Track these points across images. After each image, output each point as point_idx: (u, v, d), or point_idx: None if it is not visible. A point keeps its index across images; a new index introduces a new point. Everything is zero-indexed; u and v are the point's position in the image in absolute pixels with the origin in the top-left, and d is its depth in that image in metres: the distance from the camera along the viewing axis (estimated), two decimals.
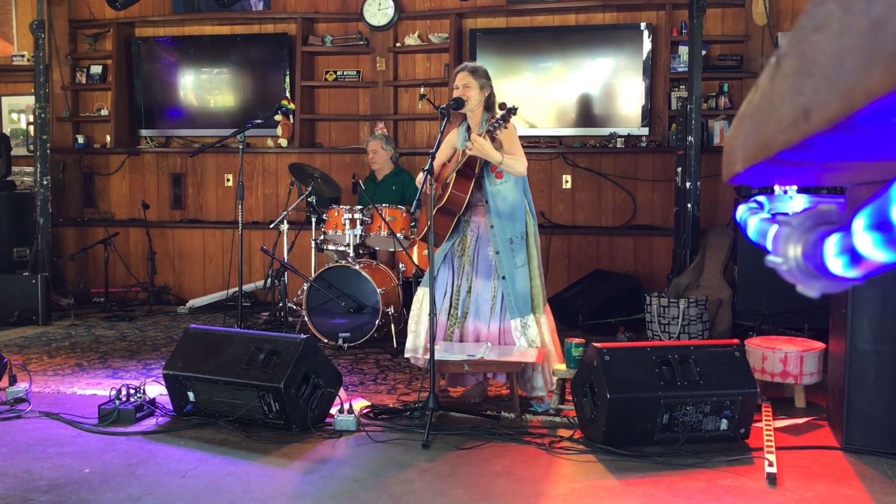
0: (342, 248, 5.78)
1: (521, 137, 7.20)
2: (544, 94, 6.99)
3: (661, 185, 6.83)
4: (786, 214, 0.89)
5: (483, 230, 4.19)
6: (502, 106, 3.91)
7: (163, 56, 7.75)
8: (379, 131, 6.74)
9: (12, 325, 6.36)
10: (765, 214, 1.13)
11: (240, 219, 5.46)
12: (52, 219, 7.00)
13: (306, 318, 5.61)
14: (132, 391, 3.94)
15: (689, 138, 5.84)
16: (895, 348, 3.38)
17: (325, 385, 3.79)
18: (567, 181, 6.99)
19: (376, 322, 5.37)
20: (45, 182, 6.79)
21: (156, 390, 4.14)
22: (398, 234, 5.58)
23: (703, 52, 6.23)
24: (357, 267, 5.44)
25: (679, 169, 6.02)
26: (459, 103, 4.15)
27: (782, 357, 4.12)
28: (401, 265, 5.88)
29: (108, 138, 7.83)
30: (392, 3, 7.18)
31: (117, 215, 7.96)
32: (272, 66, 7.52)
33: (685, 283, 5.76)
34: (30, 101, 7.43)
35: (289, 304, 6.02)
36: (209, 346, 3.93)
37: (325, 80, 7.48)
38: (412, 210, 4.03)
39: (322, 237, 5.95)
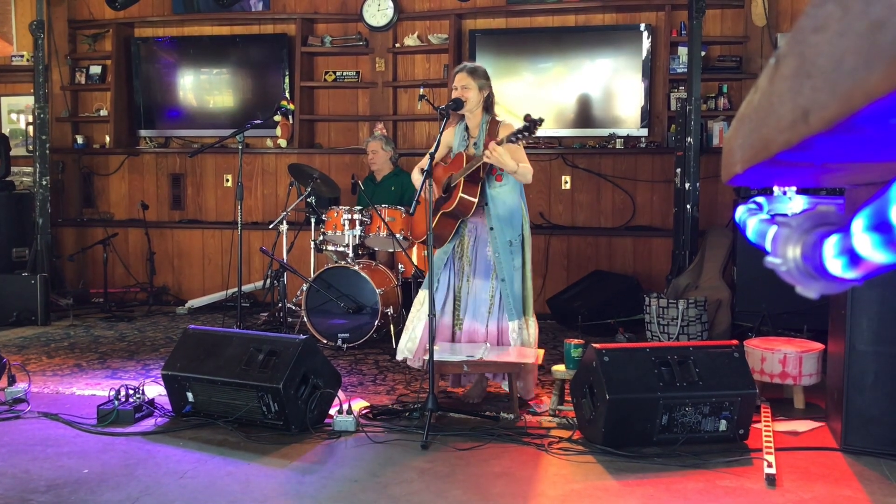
0: (341, 249, 5.78)
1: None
2: (544, 94, 6.99)
3: (660, 186, 6.83)
4: (785, 215, 0.89)
5: (481, 231, 4.20)
6: (528, 117, 3.88)
7: (162, 56, 7.74)
8: (378, 132, 6.74)
9: (11, 325, 6.36)
10: (764, 215, 1.13)
11: (239, 219, 5.46)
12: (52, 219, 7.00)
13: (305, 319, 5.61)
14: (131, 391, 3.94)
15: (689, 139, 5.84)
16: (894, 349, 3.38)
17: (324, 386, 3.79)
18: (566, 182, 6.99)
19: (375, 323, 5.37)
20: (44, 182, 6.79)
21: (155, 391, 4.14)
22: (397, 235, 5.58)
23: (703, 53, 6.23)
24: (356, 267, 5.44)
25: (678, 170, 6.02)
26: (459, 104, 4.15)
27: (781, 358, 4.12)
28: (400, 266, 5.88)
29: (108, 138, 7.83)
30: (391, 4, 7.18)
31: (116, 216, 7.96)
32: (271, 66, 7.52)
33: (684, 284, 5.76)
34: (29, 101, 7.43)
35: (288, 305, 6.02)
36: (208, 347, 3.93)
37: (325, 80, 7.48)
38: (411, 211, 4.02)
39: (321, 238, 5.95)
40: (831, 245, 0.61)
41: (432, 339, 3.81)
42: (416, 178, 4.38)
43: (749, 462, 3.35)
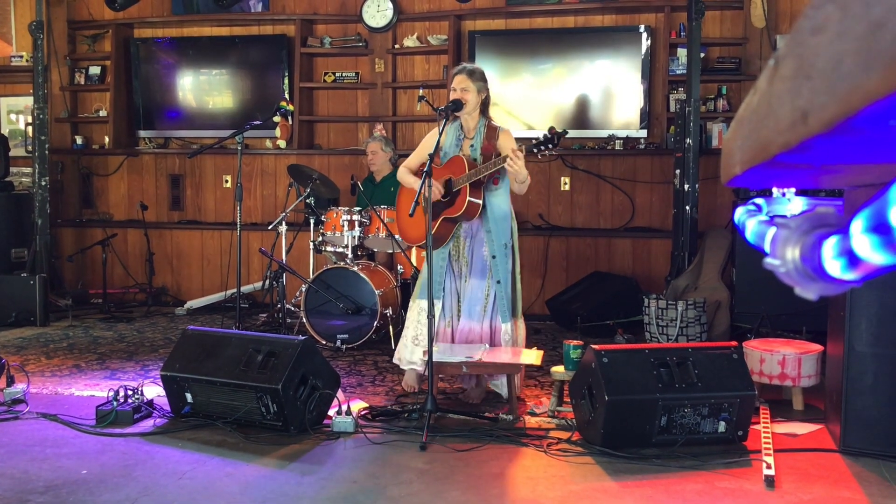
0: (340, 250, 5.78)
1: (519, 139, 7.24)
2: (543, 95, 7.00)
3: (659, 187, 6.83)
4: (784, 217, 0.89)
5: (477, 231, 4.23)
6: (552, 130, 3.99)
7: (161, 57, 7.74)
8: (378, 133, 6.75)
9: (10, 325, 6.36)
10: (763, 217, 1.13)
11: (238, 220, 5.46)
12: (51, 219, 6.99)
13: (304, 320, 5.61)
14: (130, 392, 3.94)
15: (688, 140, 5.84)
16: (893, 351, 3.38)
17: (323, 386, 3.79)
18: (566, 183, 6.99)
19: (374, 324, 5.36)
20: (43, 183, 6.78)
21: (154, 391, 4.14)
22: (396, 236, 5.58)
23: (702, 55, 6.23)
24: (355, 268, 5.44)
25: (677, 171, 6.02)
26: (459, 105, 4.16)
27: (780, 359, 4.12)
28: (399, 266, 5.88)
29: (107, 139, 7.82)
30: (391, 5, 7.18)
31: (116, 216, 7.96)
32: (271, 67, 7.52)
33: (683, 286, 5.76)
34: (28, 101, 7.42)
35: (287, 306, 6.02)
36: (207, 348, 3.93)
37: (324, 81, 7.48)
38: (410, 212, 4.03)
39: (320, 238, 5.95)
40: (830, 246, 0.61)
41: (431, 339, 3.81)
42: (407, 179, 4.35)
43: (748, 463, 3.35)
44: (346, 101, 7.57)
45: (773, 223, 0.87)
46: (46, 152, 6.87)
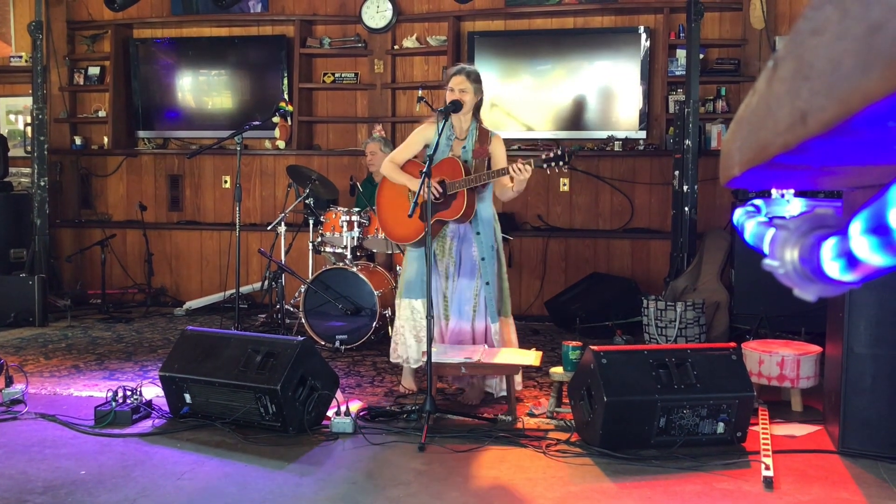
0: (339, 251, 5.78)
1: (519, 140, 7.25)
2: (542, 96, 7.00)
3: (658, 189, 6.83)
4: (783, 218, 0.89)
5: (464, 233, 4.26)
6: (565, 147, 4.09)
7: (161, 57, 7.74)
8: (377, 133, 6.74)
9: (9, 326, 6.35)
10: (762, 218, 1.13)
11: (237, 220, 5.46)
12: (50, 220, 6.99)
13: (303, 320, 5.61)
14: (129, 393, 3.94)
15: (687, 142, 5.84)
16: (892, 352, 3.38)
17: (322, 387, 3.78)
18: (565, 184, 6.99)
19: (373, 324, 5.36)
20: (42, 183, 6.78)
21: (152, 392, 4.13)
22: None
23: (701, 56, 6.23)
24: (354, 269, 5.44)
25: (676, 172, 6.03)
26: (458, 106, 4.18)
27: (779, 361, 4.12)
28: (398, 267, 5.87)
29: (106, 140, 7.82)
30: (390, 6, 7.18)
31: (114, 217, 7.95)
32: (270, 67, 7.52)
33: (682, 287, 5.76)
34: (27, 102, 7.42)
35: (286, 306, 6.01)
36: (206, 348, 3.93)
37: (323, 82, 7.48)
38: (409, 213, 4.03)
39: (319, 239, 5.95)
40: (829, 248, 0.61)
41: (430, 340, 3.82)
42: (397, 176, 4.29)
43: (747, 465, 3.35)
44: (345, 101, 7.57)
45: (771, 224, 0.87)
46: (45, 153, 6.86)
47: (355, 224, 5.67)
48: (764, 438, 3.58)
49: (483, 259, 4.24)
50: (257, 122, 5.91)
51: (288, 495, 3.02)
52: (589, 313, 6.05)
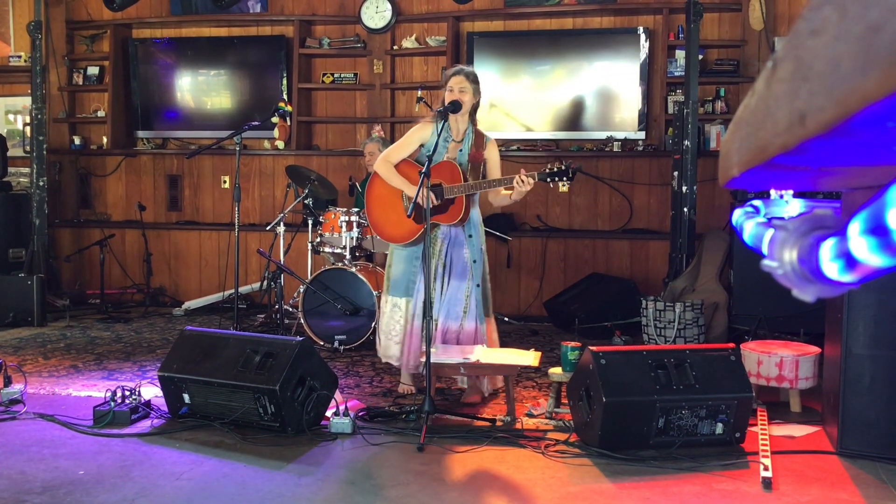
0: (338, 251, 5.77)
1: (518, 140, 7.25)
2: (541, 97, 7.00)
3: (657, 189, 6.84)
4: (782, 219, 0.89)
5: (455, 235, 4.28)
6: (571, 164, 4.20)
7: (160, 57, 7.74)
8: (376, 134, 6.74)
9: (8, 326, 6.35)
10: (761, 219, 1.13)
11: (236, 221, 5.46)
12: (48, 220, 6.99)
13: (302, 321, 5.60)
14: (127, 393, 3.94)
15: (686, 142, 5.84)
16: (890, 353, 3.39)
17: (321, 387, 3.78)
18: (564, 184, 6.98)
19: (372, 325, 5.36)
20: (41, 183, 6.78)
21: (151, 392, 4.13)
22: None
23: (700, 57, 6.24)
24: (353, 269, 5.44)
25: (675, 173, 6.03)
26: (457, 106, 4.18)
27: (778, 361, 4.12)
28: None
29: (105, 139, 7.82)
30: (389, 6, 7.18)
31: (113, 217, 7.95)
32: (269, 68, 7.52)
33: (681, 287, 5.76)
34: (26, 101, 7.42)
35: (285, 307, 6.01)
36: (205, 348, 3.93)
37: (323, 82, 7.48)
38: (408, 214, 4.03)
39: (318, 239, 5.94)
40: (828, 248, 0.61)
41: (429, 340, 3.82)
42: (393, 178, 4.28)
43: (745, 465, 3.35)
44: (344, 102, 7.57)
45: (770, 225, 0.87)
46: (44, 152, 6.86)
47: (354, 224, 5.67)
48: (763, 439, 3.58)
49: (475, 262, 4.28)
50: (256, 123, 5.91)
51: (287, 495, 3.02)
52: (588, 314, 6.05)
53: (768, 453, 3.40)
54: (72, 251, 7.59)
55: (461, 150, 4.27)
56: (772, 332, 5.09)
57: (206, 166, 7.77)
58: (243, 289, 6.99)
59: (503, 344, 4.71)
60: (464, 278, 4.26)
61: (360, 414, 3.93)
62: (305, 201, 6.00)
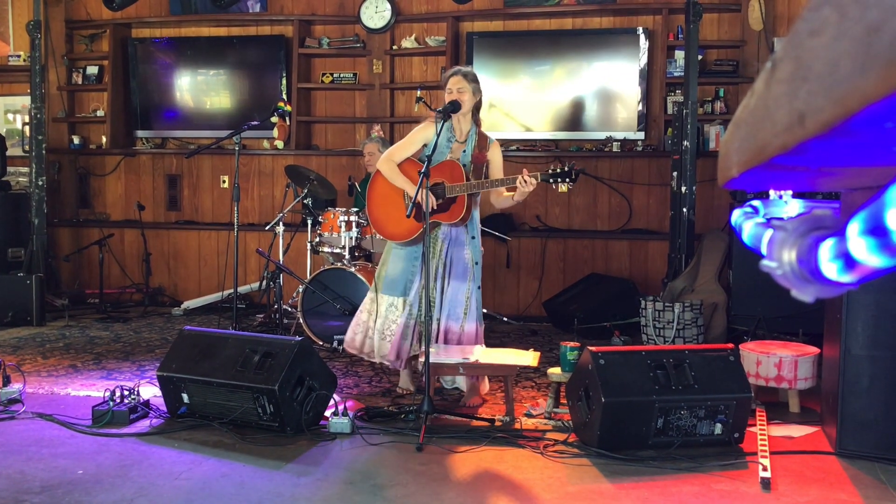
0: (338, 251, 5.77)
1: (517, 140, 7.25)
2: (541, 97, 7.00)
3: (656, 190, 6.84)
4: (781, 219, 0.89)
5: (457, 236, 4.27)
6: (573, 166, 4.19)
7: (159, 57, 7.74)
8: (375, 134, 6.74)
9: (6, 325, 6.35)
10: (760, 219, 1.13)
11: (235, 220, 5.46)
12: (47, 219, 6.98)
13: (301, 321, 5.60)
14: (126, 392, 3.93)
15: (685, 143, 5.84)
16: (889, 353, 3.39)
17: (320, 387, 3.78)
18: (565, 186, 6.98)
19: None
20: (40, 182, 6.77)
21: (150, 392, 4.13)
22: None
23: (700, 57, 6.24)
24: (352, 269, 5.44)
25: (675, 173, 6.03)
26: (456, 106, 4.18)
27: (777, 362, 4.12)
28: None
29: (104, 139, 7.81)
30: (389, 6, 7.18)
31: (112, 216, 7.95)
32: (269, 67, 7.51)
33: (680, 288, 5.76)
34: (25, 101, 7.41)
35: (284, 307, 6.01)
36: (204, 348, 3.92)
37: (322, 82, 7.48)
38: (407, 214, 4.02)
39: (317, 239, 5.94)
40: (827, 249, 0.61)
41: (428, 340, 3.82)
42: (396, 178, 4.28)
43: (744, 466, 3.36)
44: (343, 101, 7.57)
45: (769, 225, 0.87)
46: (43, 152, 6.86)
47: (353, 224, 5.67)
48: (761, 439, 3.58)
49: (476, 263, 4.28)
50: (256, 122, 5.91)
51: (286, 495, 3.02)
52: (587, 314, 6.05)
53: (767, 454, 3.40)
54: (71, 251, 7.59)
55: (464, 151, 4.27)
56: (771, 333, 5.09)
57: (205, 166, 7.77)
58: (242, 288, 6.99)
59: (503, 344, 4.72)
60: (464, 279, 4.25)
61: (358, 414, 3.93)
62: (305, 201, 6.00)
